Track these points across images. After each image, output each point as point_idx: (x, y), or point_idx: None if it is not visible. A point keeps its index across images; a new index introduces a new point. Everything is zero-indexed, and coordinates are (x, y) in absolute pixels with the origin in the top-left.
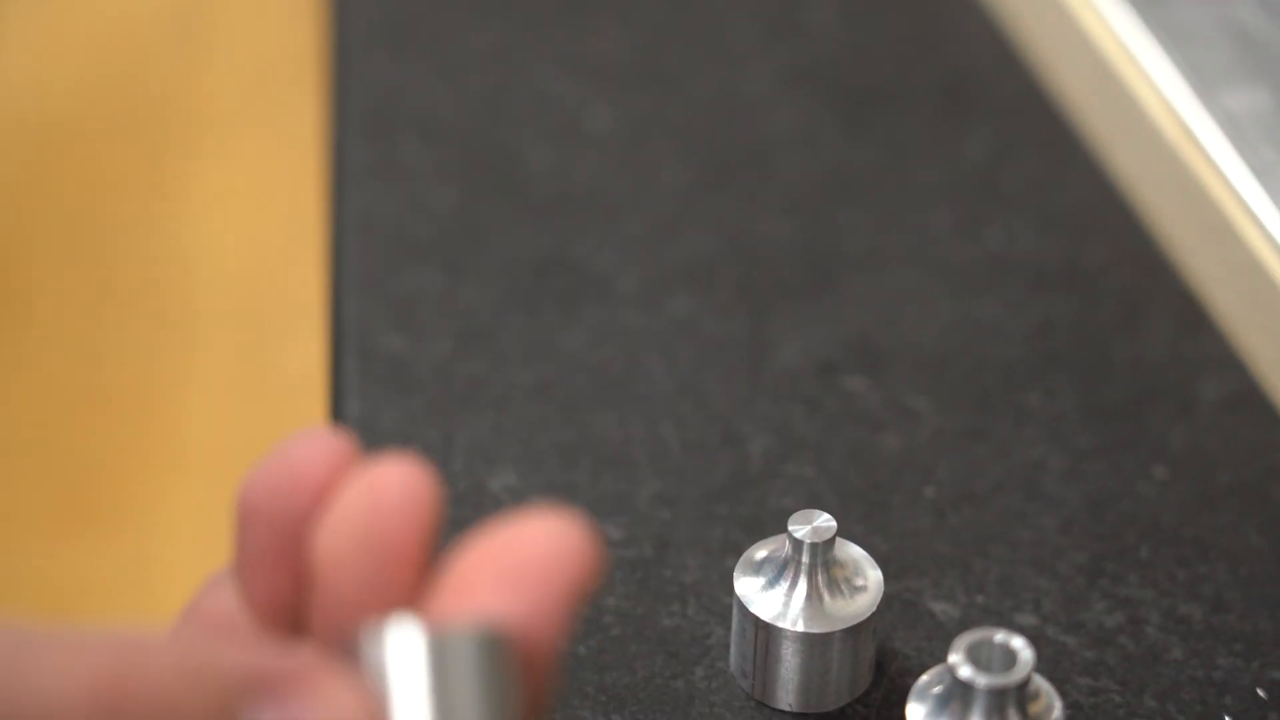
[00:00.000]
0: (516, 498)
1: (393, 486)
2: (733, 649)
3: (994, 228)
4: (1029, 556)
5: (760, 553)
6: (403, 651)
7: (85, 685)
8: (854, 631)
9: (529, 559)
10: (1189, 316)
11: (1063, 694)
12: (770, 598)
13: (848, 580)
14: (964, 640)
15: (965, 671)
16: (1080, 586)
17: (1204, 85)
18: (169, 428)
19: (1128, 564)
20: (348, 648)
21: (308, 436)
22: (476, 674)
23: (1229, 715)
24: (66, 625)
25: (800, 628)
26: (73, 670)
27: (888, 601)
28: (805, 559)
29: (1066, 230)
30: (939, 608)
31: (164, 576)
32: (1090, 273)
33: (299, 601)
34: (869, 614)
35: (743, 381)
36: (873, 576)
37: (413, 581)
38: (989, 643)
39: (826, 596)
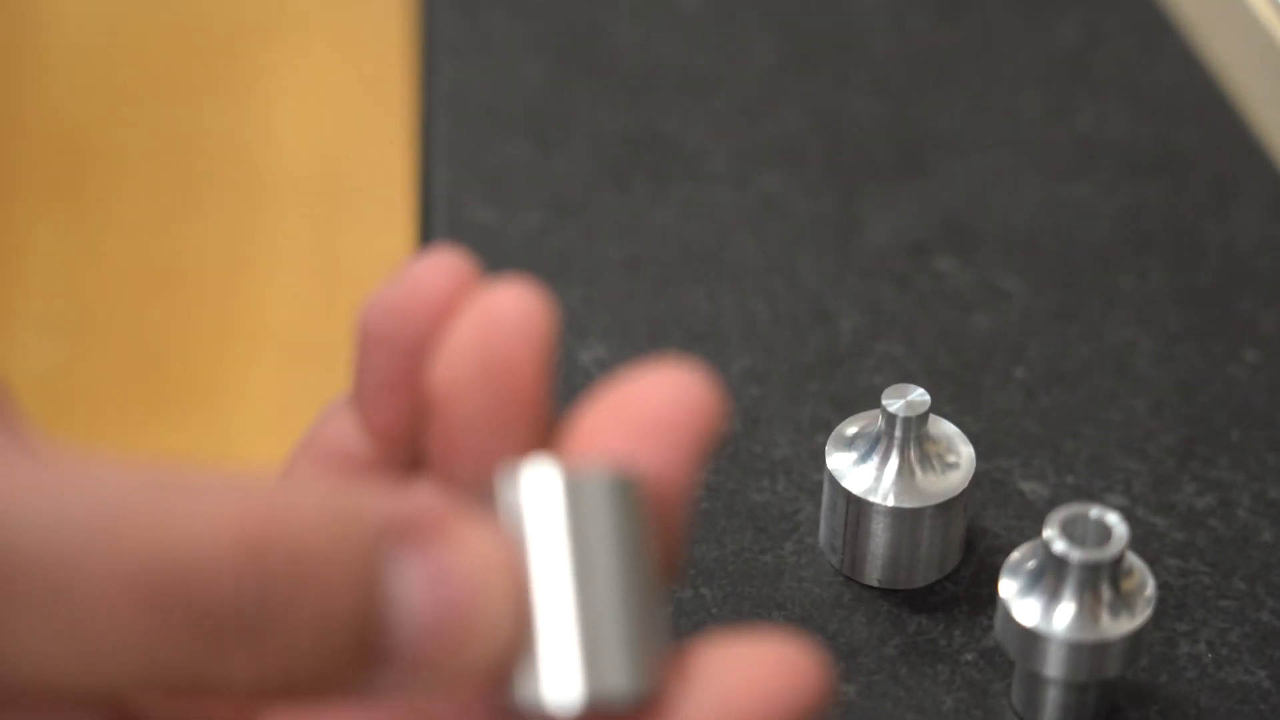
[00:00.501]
0: (605, 370)
1: (508, 309)
2: (822, 524)
3: (1084, 111)
4: (1119, 438)
5: (852, 428)
6: (539, 493)
7: (229, 529)
8: (945, 508)
9: (657, 408)
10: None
11: (1154, 574)
12: (862, 472)
13: (940, 456)
14: (1058, 515)
15: (1059, 546)
16: (1170, 469)
17: None
18: (249, 310)
19: (1218, 447)
20: (474, 484)
21: (429, 258)
22: (613, 518)
23: None
24: (209, 471)
25: (891, 502)
26: (217, 514)
27: (977, 480)
28: (898, 434)
29: (1157, 113)
30: (1029, 487)
31: (241, 457)
32: (1181, 156)
33: (418, 430)
34: (960, 490)
35: (832, 259)
36: (965, 453)
37: (531, 410)
38: (1083, 518)
39: (918, 472)
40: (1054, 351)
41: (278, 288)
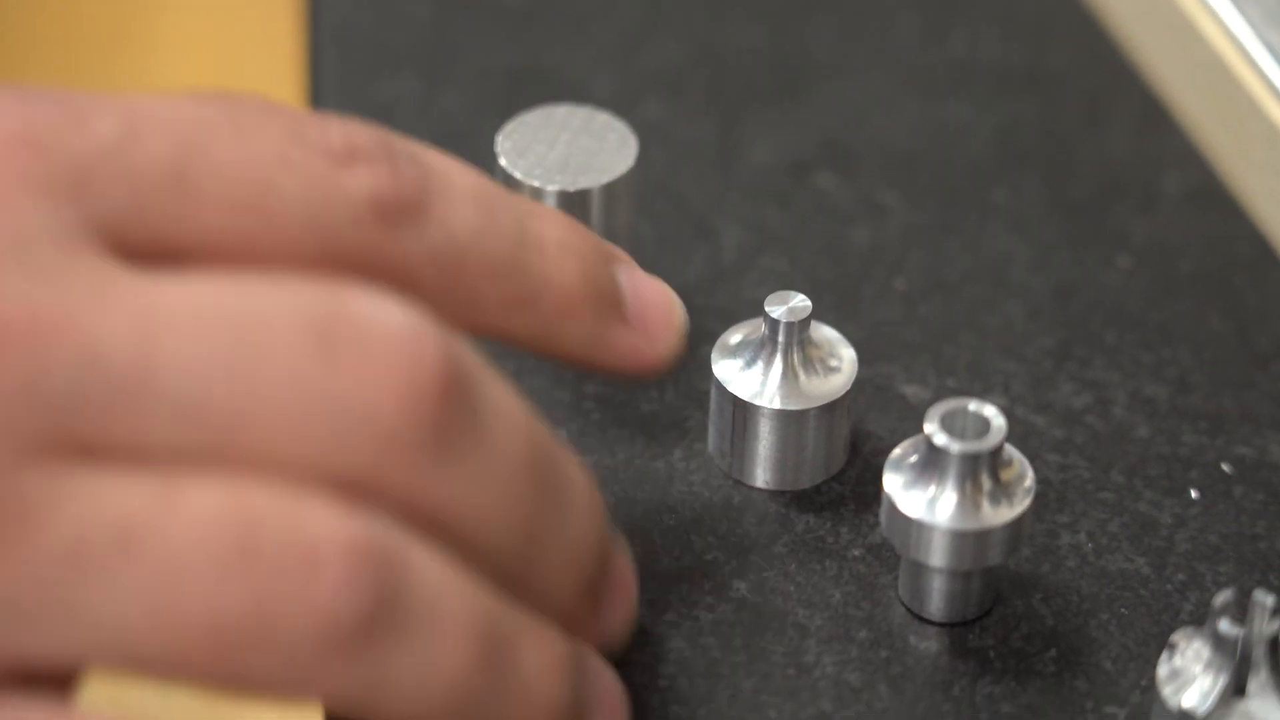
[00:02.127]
0: None
1: None
2: (711, 430)
3: (958, 33)
4: (997, 342)
5: (736, 336)
6: None
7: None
8: (829, 409)
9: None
10: (1151, 114)
11: (1034, 470)
12: (747, 378)
13: (822, 360)
14: (938, 410)
15: (940, 439)
16: (1048, 370)
17: None
18: None
19: (1094, 348)
20: None
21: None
22: None
23: (1195, 488)
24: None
25: (776, 405)
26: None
27: (860, 386)
28: (781, 339)
29: (1029, 35)
30: (911, 391)
31: None
32: (1053, 75)
33: None
34: (844, 392)
35: (715, 181)
36: (847, 356)
37: None
38: (962, 412)
39: (802, 375)
40: (932, 262)
41: None
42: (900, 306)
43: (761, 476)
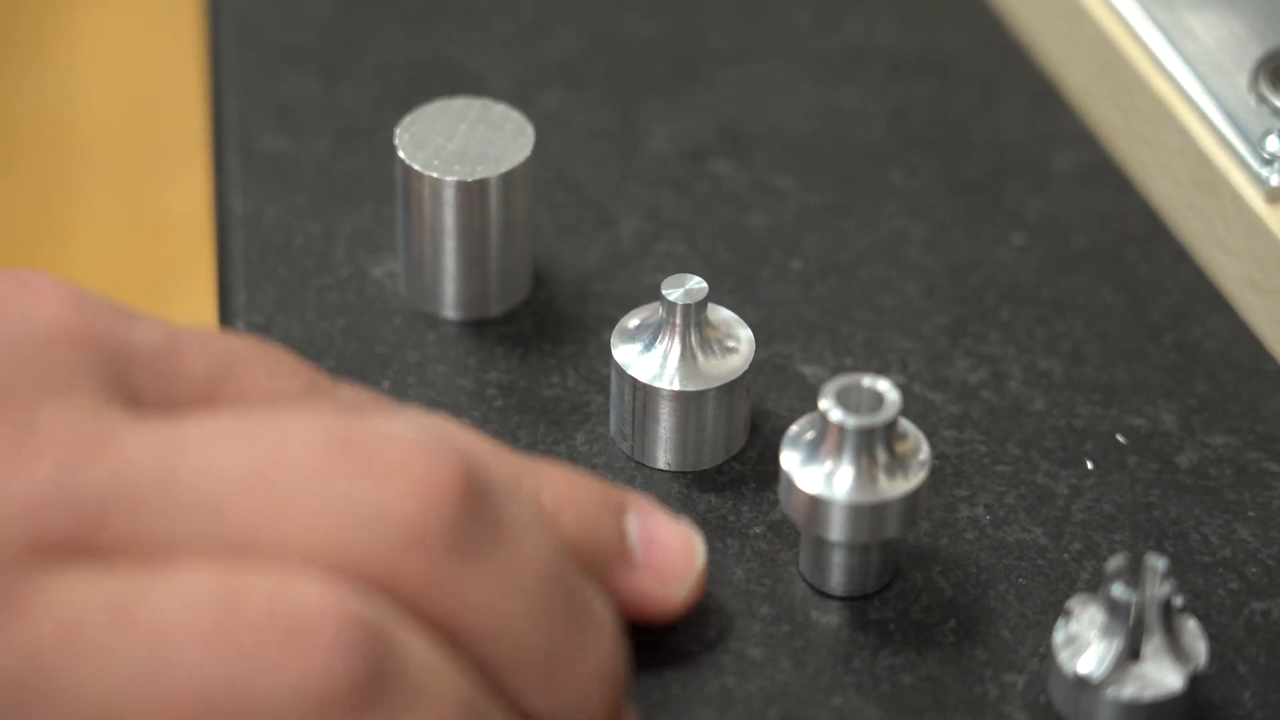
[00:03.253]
0: (396, 283)
1: None
2: (612, 414)
3: (853, 20)
4: (894, 321)
5: (635, 320)
6: None
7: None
8: (728, 389)
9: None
10: (1042, 95)
11: (931, 446)
12: (646, 361)
13: (719, 341)
14: (833, 386)
15: (835, 414)
16: (944, 347)
17: None
18: (58, 269)
19: (989, 325)
20: None
21: None
22: None
23: (1090, 459)
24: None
25: (676, 386)
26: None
27: (759, 367)
28: (679, 321)
29: (923, 21)
30: (809, 370)
31: None
32: (947, 59)
33: None
34: (742, 372)
35: (613, 170)
36: (744, 336)
37: None
38: (857, 387)
39: (700, 356)
40: (829, 244)
41: (86, 246)
42: (797, 288)
43: (663, 458)
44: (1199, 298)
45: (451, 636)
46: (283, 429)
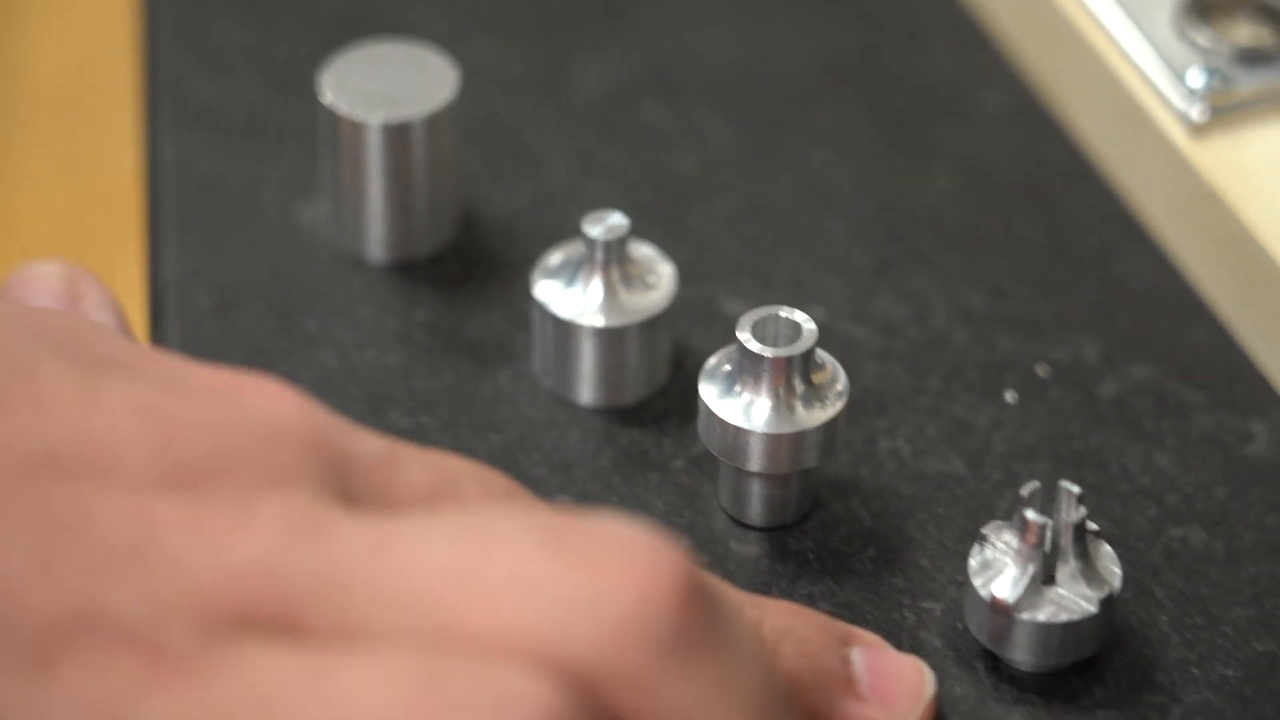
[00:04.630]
0: (327, 223)
1: None
2: (535, 351)
3: None
4: (819, 259)
5: (557, 257)
6: None
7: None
8: (650, 325)
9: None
10: (968, 34)
11: (853, 380)
12: (568, 297)
13: (641, 277)
14: (749, 318)
15: (753, 345)
16: (868, 284)
17: None
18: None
19: (914, 261)
20: None
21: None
22: None
23: (1011, 392)
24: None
25: (597, 323)
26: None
27: (684, 305)
28: (600, 257)
29: None
30: (734, 307)
31: None
32: None
33: None
34: (664, 307)
35: (543, 114)
36: (665, 272)
37: None
38: (774, 318)
39: (622, 292)
40: (756, 184)
41: (27, 195)
42: (724, 227)
43: (586, 394)
44: (1123, 233)
45: None
46: (497, 525)
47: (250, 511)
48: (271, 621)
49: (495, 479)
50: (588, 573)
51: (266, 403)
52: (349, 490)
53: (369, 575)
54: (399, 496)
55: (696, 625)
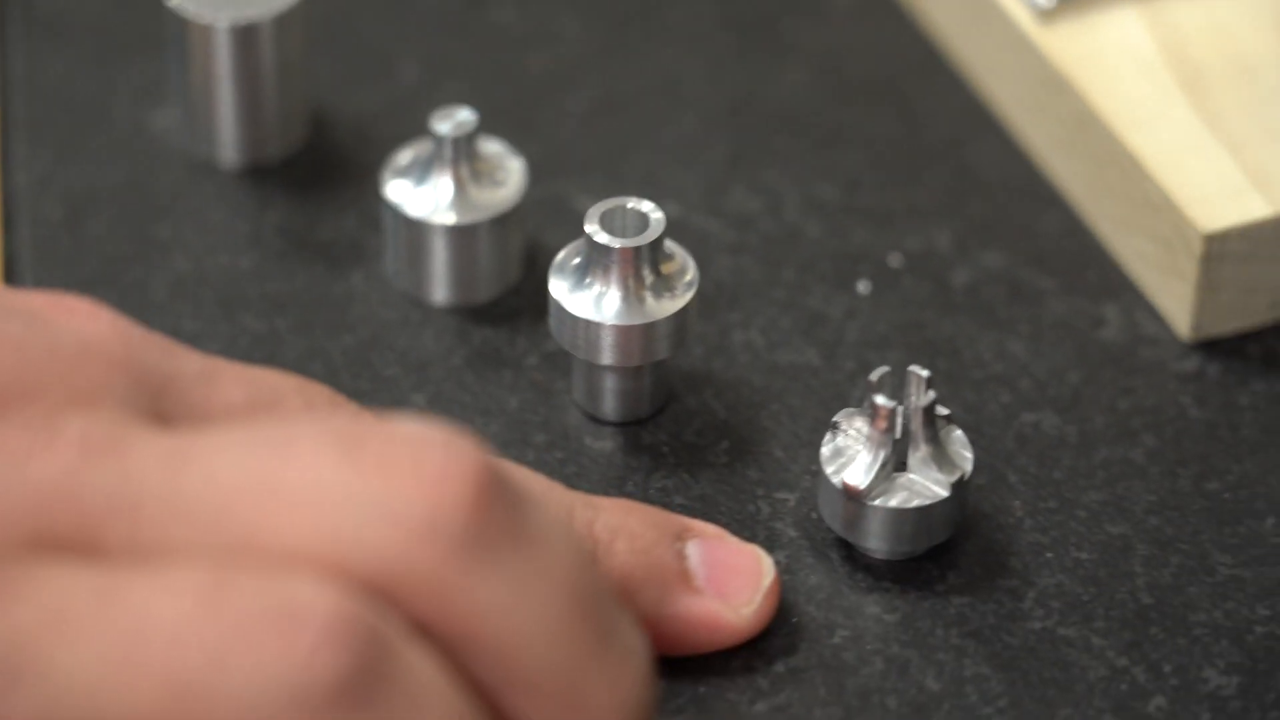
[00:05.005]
0: (177, 134)
1: None
2: (387, 252)
3: None
4: (671, 155)
5: (406, 156)
6: None
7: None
8: (500, 221)
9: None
10: None
11: (707, 273)
12: (418, 195)
13: (490, 174)
14: (597, 210)
15: (601, 237)
16: (721, 178)
17: None
18: None
19: (766, 155)
20: None
21: None
22: None
23: (864, 281)
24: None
25: (447, 220)
26: None
27: (537, 203)
28: (449, 154)
29: None
30: (586, 204)
31: None
32: None
33: None
34: (515, 204)
35: (393, 15)
36: (515, 168)
37: None
38: (621, 209)
39: (471, 189)
40: (607, 83)
41: None
42: (576, 126)
43: (438, 293)
44: (974, 123)
45: (458, 649)
46: (293, 433)
47: (52, 431)
48: (68, 541)
49: (318, 391)
50: (382, 476)
51: (76, 323)
52: (162, 409)
53: (164, 490)
54: (215, 413)
55: (495, 522)
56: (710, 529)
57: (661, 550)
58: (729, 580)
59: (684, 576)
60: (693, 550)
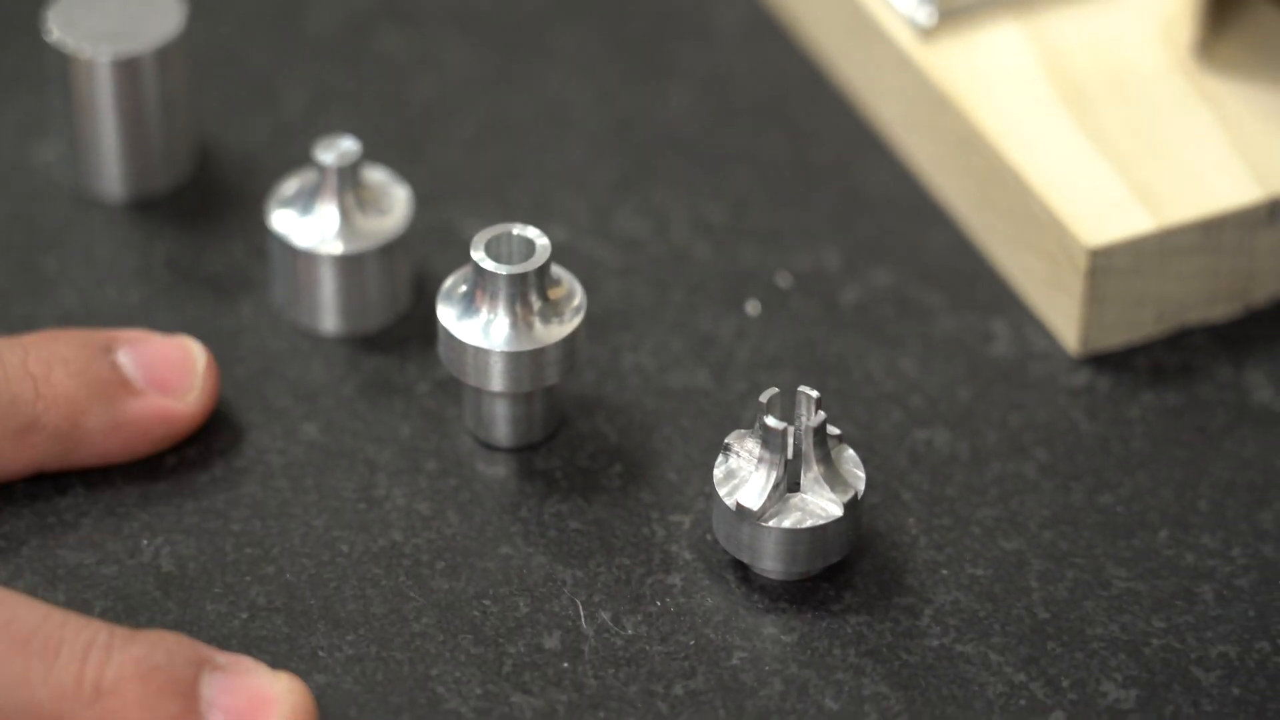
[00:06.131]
0: (62, 168)
1: None
2: (275, 282)
3: None
4: (559, 179)
5: (291, 186)
6: None
7: None
8: (388, 250)
9: None
10: None
11: (596, 296)
12: (304, 225)
13: (375, 203)
14: (483, 237)
15: (487, 264)
16: (609, 201)
17: None
18: None
19: (653, 178)
20: None
21: None
22: None
23: (754, 303)
24: None
25: (334, 250)
26: None
27: (425, 230)
28: (334, 183)
29: None
30: (474, 229)
31: None
32: None
33: None
34: (401, 232)
35: (278, 46)
36: (401, 196)
37: None
38: (507, 236)
39: (358, 218)
40: (494, 108)
41: None
42: (462, 152)
43: (328, 323)
44: (860, 142)
45: None
46: None
47: None
48: None
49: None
50: None
51: None
52: None
53: None
54: None
55: None
56: (134, 333)
57: (97, 366)
58: (166, 374)
59: (124, 384)
60: (124, 357)
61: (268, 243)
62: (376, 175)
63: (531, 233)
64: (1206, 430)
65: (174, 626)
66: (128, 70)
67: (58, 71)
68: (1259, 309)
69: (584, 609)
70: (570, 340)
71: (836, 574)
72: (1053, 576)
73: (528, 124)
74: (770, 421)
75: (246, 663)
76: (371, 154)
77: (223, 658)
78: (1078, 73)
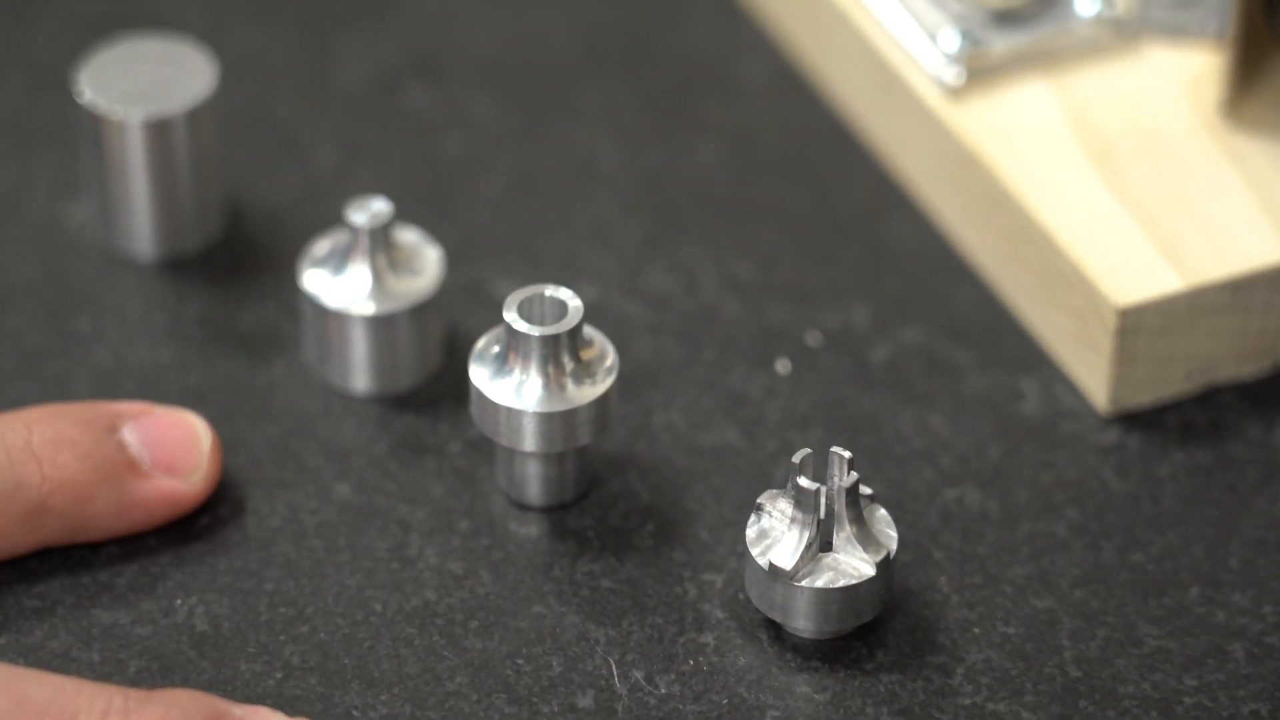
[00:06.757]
0: (93, 227)
1: None
2: (307, 341)
3: None
4: (588, 236)
5: (323, 247)
6: None
7: None
8: (420, 310)
9: None
10: (726, 9)
11: (626, 355)
12: (336, 286)
13: (407, 263)
14: (515, 298)
15: (520, 325)
16: (638, 258)
17: None
18: None
19: (682, 234)
20: None
21: None
22: None
23: (783, 360)
24: None
25: (366, 310)
26: None
27: (455, 289)
28: (365, 244)
29: None
30: (504, 288)
31: None
32: None
33: None
34: (433, 292)
35: (307, 103)
36: (433, 256)
37: None
38: (539, 297)
39: (390, 278)
40: (523, 164)
41: None
42: (492, 210)
43: (360, 382)
44: (887, 199)
45: None
46: None
47: None
48: None
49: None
50: None
51: None
52: None
53: None
54: None
55: None
56: (137, 407)
57: (104, 448)
58: (172, 454)
59: (131, 465)
60: (130, 435)
61: (299, 302)
62: (408, 235)
63: (564, 294)
64: (1237, 488)
65: (208, 686)
66: (159, 131)
67: (89, 132)
68: None
69: (617, 668)
70: (603, 401)
71: (869, 633)
72: (1084, 635)
73: (556, 180)
74: (803, 482)
75: (264, 714)
76: (400, 210)
77: (240, 710)
78: (1105, 131)
